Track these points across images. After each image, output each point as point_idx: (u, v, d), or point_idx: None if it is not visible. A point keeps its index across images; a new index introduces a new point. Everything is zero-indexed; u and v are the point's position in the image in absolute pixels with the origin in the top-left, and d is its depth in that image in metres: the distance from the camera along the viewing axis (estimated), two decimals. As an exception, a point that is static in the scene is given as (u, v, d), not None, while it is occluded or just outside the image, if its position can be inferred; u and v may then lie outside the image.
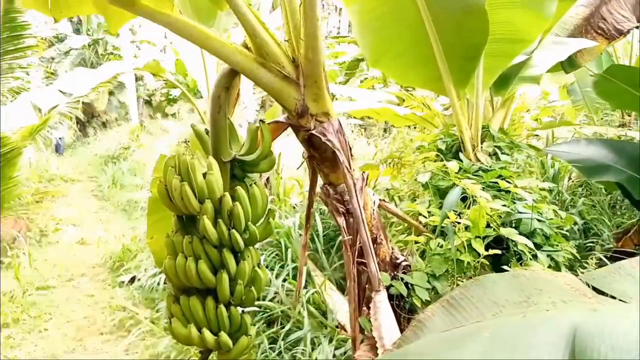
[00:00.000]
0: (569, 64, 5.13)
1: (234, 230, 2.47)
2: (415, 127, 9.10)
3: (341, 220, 2.83)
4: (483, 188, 3.71)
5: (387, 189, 5.17)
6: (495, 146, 4.48)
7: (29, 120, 6.55)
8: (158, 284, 6.65)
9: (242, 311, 2.61)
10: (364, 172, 2.85)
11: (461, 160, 4.20)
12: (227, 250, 2.52)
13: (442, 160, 4.20)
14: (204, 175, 2.49)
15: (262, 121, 2.72)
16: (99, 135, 18.14)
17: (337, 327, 4.64)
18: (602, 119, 6.88)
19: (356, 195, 2.65)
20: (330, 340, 4.48)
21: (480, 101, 4.50)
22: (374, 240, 2.91)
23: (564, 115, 8.52)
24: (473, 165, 4.14)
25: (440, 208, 3.68)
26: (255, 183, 2.69)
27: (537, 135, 7.05)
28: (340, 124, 2.73)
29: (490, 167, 4.11)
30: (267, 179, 7.31)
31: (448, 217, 3.27)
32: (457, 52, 4.01)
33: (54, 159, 15.18)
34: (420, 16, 3.88)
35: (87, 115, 18.80)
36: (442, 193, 3.81)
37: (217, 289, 2.51)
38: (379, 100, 7.19)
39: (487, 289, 1.83)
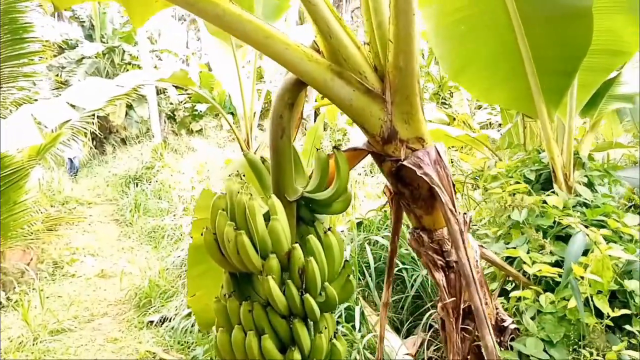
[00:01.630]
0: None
1: (307, 295, 1.92)
2: (452, 147, 8.58)
3: (440, 277, 2.28)
4: (587, 227, 3.13)
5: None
6: (586, 175, 3.88)
7: (29, 140, 5.92)
8: (192, 325, 6.13)
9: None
10: (465, 212, 2.28)
11: (554, 193, 3.62)
12: (299, 320, 2.01)
13: (530, 193, 3.61)
14: (266, 220, 1.95)
15: (336, 148, 2.20)
16: (118, 153, 17.74)
17: (395, 373, 4.16)
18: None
19: (463, 245, 2.08)
20: (390, 389, 4.09)
21: (573, 122, 3.91)
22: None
23: (598, 134, 7.94)
24: (570, 199, 3.54)
25: (539, 251, 3.10)
26: (329, 229, 2.14)
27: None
28: (439, 153, 2.19)
29: (591, 201, 3.50)
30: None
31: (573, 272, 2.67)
32: (551, 65, 3.52)
33: (68, 180, 14.73)
34: (511, 22, 3.33)
35: (103, 132, 18.45)
36: (540, 233, 3.22)
37: (286, 371, 1.97)
38: (430, 120, 6.68)
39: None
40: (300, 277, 1.97)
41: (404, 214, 2.48)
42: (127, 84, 6.92)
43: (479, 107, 12.60)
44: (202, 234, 2.08)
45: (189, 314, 6.16)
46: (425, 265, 2.33)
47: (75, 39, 19.52)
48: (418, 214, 2.30)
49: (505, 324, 2.56)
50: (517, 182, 3.74)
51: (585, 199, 3.54)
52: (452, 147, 8.61)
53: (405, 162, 2.15)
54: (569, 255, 2.75)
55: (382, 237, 5.79)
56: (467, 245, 2.14)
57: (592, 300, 2.64)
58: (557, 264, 3.03)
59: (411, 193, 2.25)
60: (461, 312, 2.29)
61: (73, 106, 6.53)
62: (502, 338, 2.57)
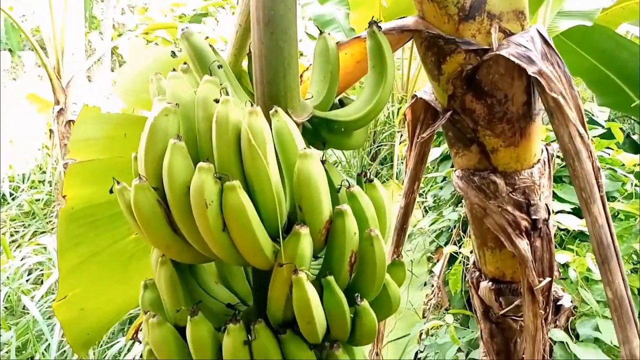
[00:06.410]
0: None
1: (365, 306, 0.92)
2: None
3: (524, 246, 1.37)
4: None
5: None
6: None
7: None
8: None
9: None
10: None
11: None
12: (343, 350, 0.96)
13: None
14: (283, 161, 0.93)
15: (376, 25, 1.13)
16: None
17: None
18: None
19: (600, 195, 1.21)
20: None
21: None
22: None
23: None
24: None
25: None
26: (368, 175, 1.12)
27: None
28: (545, 39, 1.24)
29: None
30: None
31: None
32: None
33: None
34: None
35: None
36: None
37: None
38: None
39: None
40: (350, 268, 0.96)
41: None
42: None
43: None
44: (110, 190, 1.04)
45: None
46: (498, 229, 1.40)
47: None
48: (490, 146, 1.34)
49: (561, 302, 1.76)
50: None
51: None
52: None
53: (503, 52, 1.18)
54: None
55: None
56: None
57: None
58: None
59: (490, 110, 1.28)
60: (552, 297, 1.43)
61: None
62: (557, 319, 1.76)
